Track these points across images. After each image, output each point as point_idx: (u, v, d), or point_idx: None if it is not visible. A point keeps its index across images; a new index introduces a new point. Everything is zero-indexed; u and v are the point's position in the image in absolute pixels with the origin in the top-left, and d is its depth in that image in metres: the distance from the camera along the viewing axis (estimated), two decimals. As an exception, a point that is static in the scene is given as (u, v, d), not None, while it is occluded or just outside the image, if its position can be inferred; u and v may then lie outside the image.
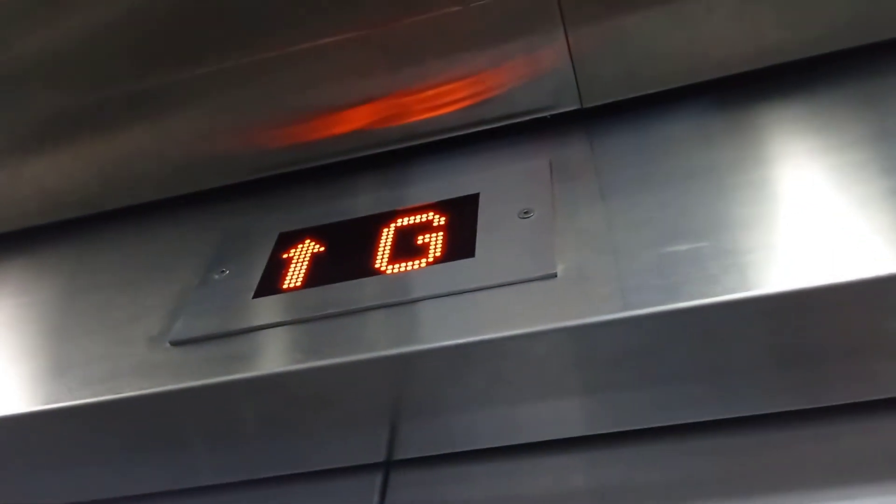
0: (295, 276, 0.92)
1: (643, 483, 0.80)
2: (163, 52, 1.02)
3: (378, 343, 0.80)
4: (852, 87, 0.94)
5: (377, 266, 0.89)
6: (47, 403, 0.86)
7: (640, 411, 0.80)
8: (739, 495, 0.76)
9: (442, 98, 1.03)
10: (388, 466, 0.88)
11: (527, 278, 0.80)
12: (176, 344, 0.89)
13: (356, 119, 1.06)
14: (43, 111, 1.09)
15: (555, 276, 0.79)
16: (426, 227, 0.92)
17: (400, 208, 0.96)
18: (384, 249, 0.91)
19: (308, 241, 0.97)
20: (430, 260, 0.87)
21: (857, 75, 0.95)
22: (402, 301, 0.83)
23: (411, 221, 0.94)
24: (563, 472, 0.83)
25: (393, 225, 0.94)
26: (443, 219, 0.92)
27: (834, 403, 0.77)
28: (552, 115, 1.02)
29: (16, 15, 1.00)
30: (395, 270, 0.88)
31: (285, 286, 0.91)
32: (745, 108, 0.96)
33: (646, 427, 0.81)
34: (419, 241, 0.90)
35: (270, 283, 0.92)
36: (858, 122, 0.88)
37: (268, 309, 0.89)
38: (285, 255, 0.96)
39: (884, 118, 0.88)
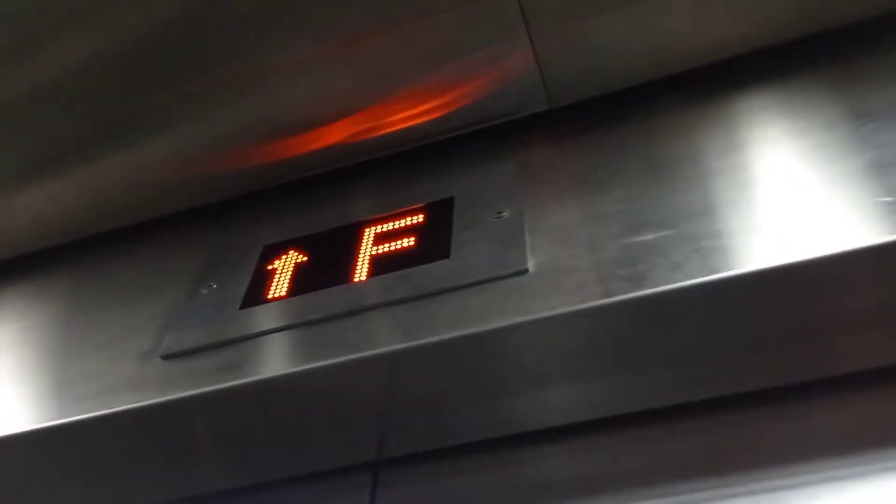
0: (280, 285, 0.95)
1: (628, 467, 0.82)
2: (142, 76, 1.06)
3: (362, 344, 0.82)
4: (818, 72, 0.96)
5: (358, 271, 0.92)
6: (44, 422, 0.89)
7: (618, 398, 0.82)
8: (719, 475, 0.77)
9: (413, 108, 1.06)
10: (378, 465, 0.90)
11: (500, 275, 0.83)
12: (166, 357, 0.91)
13: (332, 133, 1.09)
14: (32, 142, 1.12)
15: (526, 271, 0.82)
16: (404, 232, 0.95)
17: (378, 215, 0.99)
18: (364, 255, 0.94)
19: (291, 251, 1.00)
20: (408, 263, 0.90)
21: (821, 61, 0.97)
22: (382, 303, 0.86)
23: (389, 227, 0.97)
24: (550, 460, 0.85)
25: (372, 231, 0.97)
26: (419, 223, 0.95)
27: (802, 381, 0.79)
28: (522, 118, 1.05)
29: (2, 51, 1.04)
30: (376, 275, 0.90)
31: (271, 296, 0.94)
32: (712, 101, 0.99)
33: (627, 412, 0.83)
34: (397, 245, 0.93)
35: (256, 293, 0.95)
36: (825, 106, 0.91)
37: (255, 318, 0.92)
38: (270, 267, 0.99)
39: (850, 100, 0.91)
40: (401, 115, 1.07)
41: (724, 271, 0.73)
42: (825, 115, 0.90)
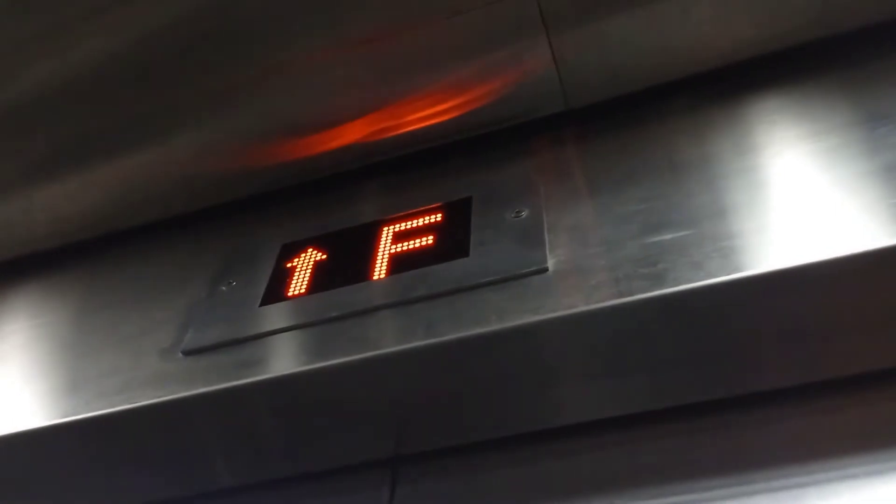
0: (299, 283, 0.96)
1: (646, 465, 0.82)
2: (162, 74, 1.07)
3: (381, 341, 0.83)
4: (831, 75, 0.97)
5: (377, 270, 0.93)
6: (65, 417, 0.90)
7: (638, 396, 0.83)
8: (738, 472, 0.78)
9: (432, 108, 1.07)
10: (397, 462, 0.91)
11: (520, 273, 0.83)
12: (187, 353, 0.92)
13: (351, 132, 1.10)
14: (51, 138, 1.13)
15: (546, 269, 0.83)
16: (422, 231, 0.96)
17: (396, 214, 1.00)
18: (383, 253, 0.95)
19: (310, 250, 1.00)
20: (427, 262, 0.90)
21: (835, 64, 0.98)
22: (402, 301, 0.87)
23: (407, 226, 0.98)
24: (568, 457, 0.85)
25: (390, 229, 0.98)
26: (437, 222, 0.96)
27: (822, 379, 0.79)
28: (540, 118, 1.05)
29: (24, 48, 1.05)
30: (395, 273, 0.91)
31: (290, 293, 0.95)
32: (728, 102, 1.00)
33: (646, 410, 0.84)
34: (416, 244, 0.94)
35: (276, 291, 0.96)
36: (837, 109, 0.92)
37: (275, 315, 0.92)
38: (289, 265, 1.00)
39: (862, 103, 0.91)
40: (419, 115, 1.07)
41: (745, 270, 0.73)
42: (840, 117, 0.90)
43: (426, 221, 0.97)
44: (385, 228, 0.99)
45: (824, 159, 0.85)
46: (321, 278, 0.95)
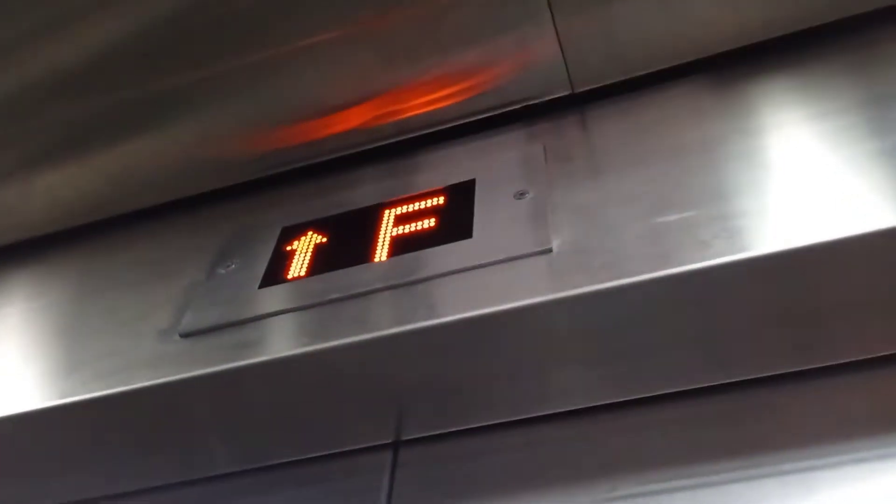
0: (299, 265, 0.94)
1: (649, 450, 0.81)
2: (163, 59, 1.06)
3: (382, 323, 0.82)
4: (838, 57, 0.96)
5: (378, 251, 0.91)
6: (62, 398, 0.89)
7: (643, 379, 0.82)
8: (743, 458, 0.77)
9: (436, 91, 1.06)
10: (398, 446, 0.89)
11: (524, 254, 0.82)
12: (186, 335, 0.91)
13: (354, 117, 1.09)
14: (52, 123, 1.12)
15: (550, 250, 0.81)
16: (424, 213, 0.94)
17: (398, 197, 0.99)
18: (385, 235, 0.93)
19: (310, 232, 0.99)
20: (430, 243, 0.89)
21: (842, 46, 0.96)
22: (403, 283, 0.85)
23: (410, 209, 0.96)
24: (570, 443, 0.84)
25: (392, 212, 0.96)
26: (440, 204, 0.95)
27: (832, 363, 0.78)
28: (544, 102, 1.04)
29: (25, 33, 1.04)
30: (396, 255, 0.90)
31: (290, 275, 0.93)
32: (734, 85, 0.98)
33: (649, 395, 0.83)
34: (418, 227, 0.93)
35: (275, 273, 0.95)
36: (845, 90, 0.90)
37: (274, 297, 0.91)
38: (289, 247, 0.98)
39: (870, 85, 0.90)
40: (422, 99, 1.06)
41: (752, 250, 0.72)
42: (845, 99, 0.89)
43: (429, 204, 0.96)
44: (387, 211, 0.97)
45: (830, 140, 0.84)
46: (321, 261, 0.94)
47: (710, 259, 0.72)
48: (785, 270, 0.72)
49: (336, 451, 0.90)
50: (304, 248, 0.97)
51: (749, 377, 0.80)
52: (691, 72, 1.01)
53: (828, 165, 0.80)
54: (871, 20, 0.96)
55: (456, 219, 0.91)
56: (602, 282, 0.75)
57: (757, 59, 0.99)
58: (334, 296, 0.87)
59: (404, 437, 0.89)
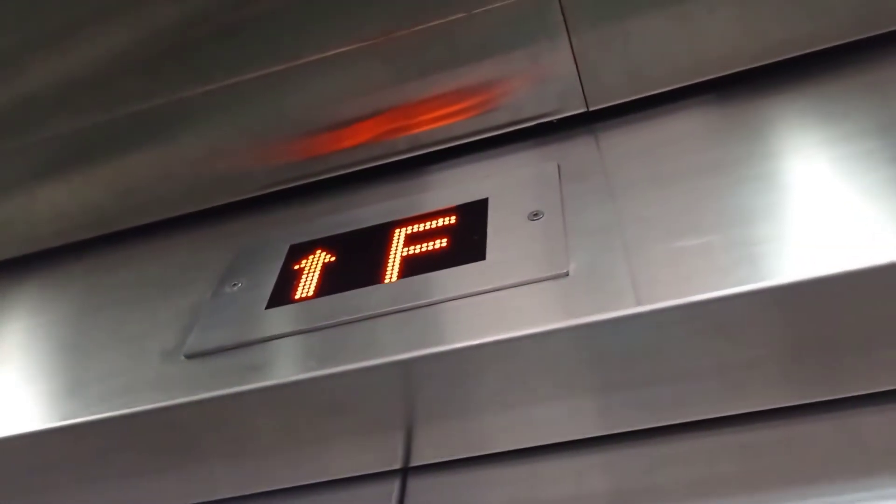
0: (307, 286, 0.92)
1: (663, 482, 0.79)
2: (170, 71, 1.04)
3: (392, 347, 0.79)
4: (856, 79, 0.94)
5: (388, 273, 0.89)
6: (64, 420, 0.87)
7: (658, 409, 0.79)
8: (761, 491, 0.75)
9: (448, 107, 1.04)
10: (406, 473, 0.87)
11: (539, 278, 0.80)
12: (190, 357, 0.89)
13: (364, 131, 1.07)
14: (56, 135, 1.11)
15: (567, 274, 0.79)
16: (436, 233, 0.92)
17: (409, 216, 0.97)
18: (395, 256, 0.91)
19: (319, 251, 0.97)
20: (441, 265, 0.87)
21: (860, 68, 0.95)
22: (414, 306, 0.83)
23: (421, 228, 0.94)
24: (582, 473, 0.82)
25: (403, 232, 0.94)
26: (452, 224, 0.93)
27: (853, 394, 0.76)
28: (558, 120, 1.02)
29: (29, 44, 1.03)
30: (407, 276, 0.88)
31: (298, 296, 0.91)
32: (750, 105, 0.96)
33: (664, 425, 0.80)
34: (429, 247, 0.90)
35: (283, 293, 0.93)
36: (863, 114, 0.88)
37: (281, 319, 0.89)
38: (297, 266, 0.96)
39: (888, 108, 0.88)
40: (434, 114, 1.04)
41: (776, 278, 0.70)
42: (864, 122, 0.87)
43: (440, 223, 0.94)
44: (397, 230, 0.95)
45: (852, 165, 0.82)
46: (330, 281, 0.92)
47: (732, 286, 0.70)
48: (807, 299, 0.70)
49: (343, 477, 0.88)
50: (312, 268, 0.95)
51: (769, 407, 0.77)
52: (708, 91, 0.99)
53: (843, 193, 0.78)
54: (890, 40, 0.95)
55: (468, 239, 0.89)
56: (620, 309, 0.73)
57: (774, 79, 0.98)
58: (343, 318, 0.85)
59: (413, 464, 0.86)
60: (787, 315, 0.72)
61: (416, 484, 0.86)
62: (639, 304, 0.72)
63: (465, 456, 0.85)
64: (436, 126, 1.05)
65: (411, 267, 0.89)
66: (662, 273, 0.75)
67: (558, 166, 0.96)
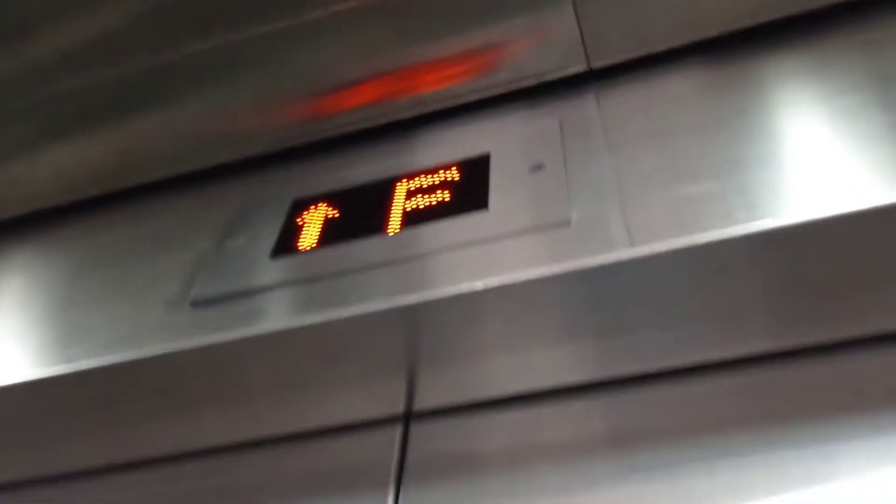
0: (311, 237, 0.93)
1: (662, 424, 0.80)
2: (173, 31, 1.04)
3: (395, 293, 0.80)
4: (851, 36, 0.94)
5: (391, 224, 0.90)
6: (70, 365, 0.87)
7: (657, 352, 0.81)
8: (758, 432, 0.76)
9: (451, 66, 1.04)
10: (408, 419, 0.88)
11: (541, 225, 0.81)
12: (196, 304, 0.90)
13: (367, 91, 1.08)
14: (60, 95, 1.11)
15: (569, 222, 0.80)
16: (439, 186, 0.93)
17: (411, 170, 0.98)
18: (398, 208, 0.92)
19: (322, 205, 0.98)
20: (444, 215, 0.88)
21: (855, 25, 0.95)
22: (417, 254, 0.84)
23: (424, 182, 0.95)
24: (582, 417, 0.83)
25: (405, 186, 0.95)
26: (455, 177, 0.94)
27: (850, 336, 0.77)
28: (560, 78, 1.03)
29: (32, 5, 1.03)
30: (409, 226, 0.89)
31: (301, 247, 0.92)
32: (748, 63, 0.97)
33: (663, 368, 0.82)
34: (432, 200, 0.92)
35: (286, 244, 0.94)
36: (857, 69, 0.89)
37: (285, 268, 0.90)
38: (300, 219, 0.97)
39: (881, 63, 0.89)
40: (437, 75, 1.05)
41: (777, 219, 0.71)
42: (859, 77, 0.88)
43: (443, 177, 0.95)
44: (399, 185, 0.96)
45: (846, 115, 0.82)
46: (333, 233, 0.93)
47: (733, 228, 0.71)
48: (807, 240, 0.71)
49: (347, 422, 0.89)
50: (315, 221, 0.96)
51: (765, 351, 0.79)
52: (706, 51, 1.00)
53: (843, 140, 0.79)
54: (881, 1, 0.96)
55: (472, 191, 0.90)
56: (622, 252, 0.74)
57: (773, 37, 0.98)
58: (346, 266, 0.86)
59: (416, 410, 0.88)
60: (787, 257, 0.73)
61: (418, 430, 0.88)
62: (639, 247, 0.73)
63: (466, 401, 0.87)
64: (438, 86, 1.06)
65: (414, 219, 0.90)
66: (662, 219, 0.76)
67: (560, 122, 0.97)
